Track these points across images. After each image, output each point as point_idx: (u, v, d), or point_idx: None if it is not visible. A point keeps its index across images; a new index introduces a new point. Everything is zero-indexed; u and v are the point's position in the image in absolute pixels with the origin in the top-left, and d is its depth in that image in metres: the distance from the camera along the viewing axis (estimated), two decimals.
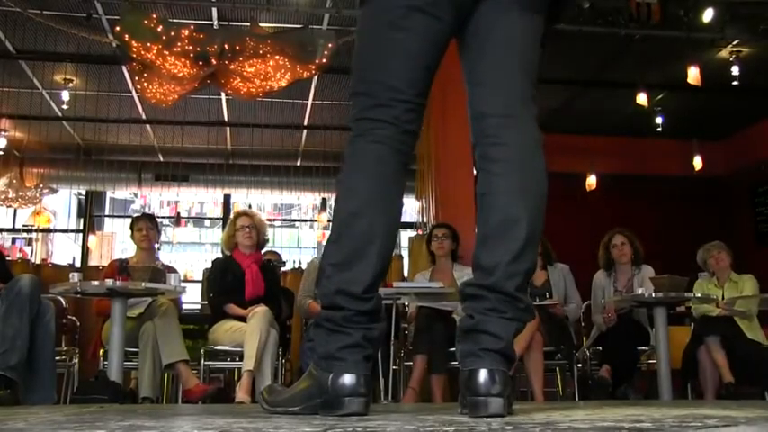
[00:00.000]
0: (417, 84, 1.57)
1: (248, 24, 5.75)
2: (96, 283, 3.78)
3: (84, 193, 10.43)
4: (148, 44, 5.08)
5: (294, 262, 8.80)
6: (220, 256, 4.90)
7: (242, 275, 4.40)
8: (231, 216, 4.88)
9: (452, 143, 5.70)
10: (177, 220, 11.77)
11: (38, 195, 8.10)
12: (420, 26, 1.55)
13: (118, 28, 5.24)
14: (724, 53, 6.39)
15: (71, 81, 7.21)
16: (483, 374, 1.39)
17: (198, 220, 13.69)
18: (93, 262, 9.32)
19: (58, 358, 4.11)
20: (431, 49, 1.58)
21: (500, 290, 1.46)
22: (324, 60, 5.40)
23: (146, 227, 4.55)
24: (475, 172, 1.64)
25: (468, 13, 1.60)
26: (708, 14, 5.56)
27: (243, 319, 4.17)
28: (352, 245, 1.51)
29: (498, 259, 1.47)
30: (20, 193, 7.84)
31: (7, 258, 5.08)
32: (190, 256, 12.80)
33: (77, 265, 8.27)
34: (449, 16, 1.56)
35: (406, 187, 1.74)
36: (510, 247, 1.47)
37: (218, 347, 4.29)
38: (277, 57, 5.31)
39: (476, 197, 1.57)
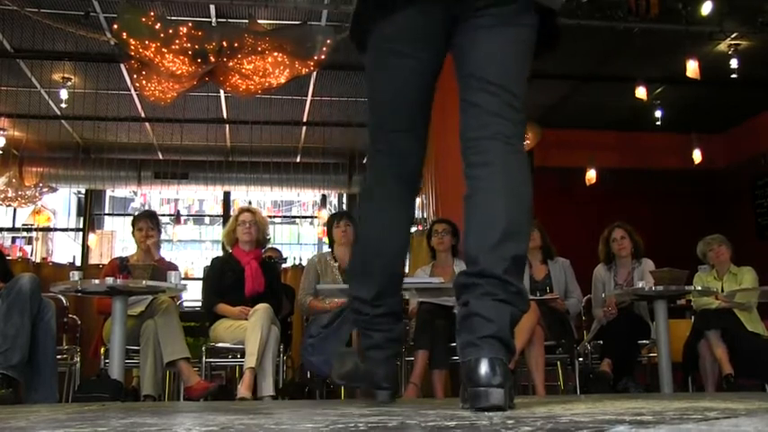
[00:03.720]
0: (407, 114, 1.79)
1: (246, 21, 5.75)
2: (97, 281, 3.78)
3: (83, 191, 10.42)
4: (147, 42, 5.07)
5: (294, 259, 8.80)
6: (220, 253, 4.91)
7: (241, 272, 4.40)
8: (234, 211, 4.89)
9: (452, 139, 5.66)
10: (177, 217, 11.76)
11: (37, 194, 8.10)
12: (398, 67, 1.75)
13: (116, 26, 5.23)
14: (723, 46, 6.38)
15: (69, 79, 7.20)
16: (483, 365, 1.41)
17: (198, 218, 13.67)
18: (93, 260, 9.31)
19: (59, 357, 4.12)
20: (414, 83, 1.77)
21: (489, 274, 1.50)
22: (322, 56, 5.40)
23: (146, 227, 4.54)
24: None
25: (447, 39, 1.73)
26: (706, 7, 5.55)
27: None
28: (363, 260, 1.85)
29: (482, 247, 1.54)
30: (19, 193, 7.83)
31: (7, 258, 5.08)
32: (190, 254, 12.79)
33: (78, 263, 8.25)
34: (425, 53, 1.74)
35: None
36: (492, 236, 1.54)
37: (220, 345, 4.30)
38: (276, 53, 5.30)
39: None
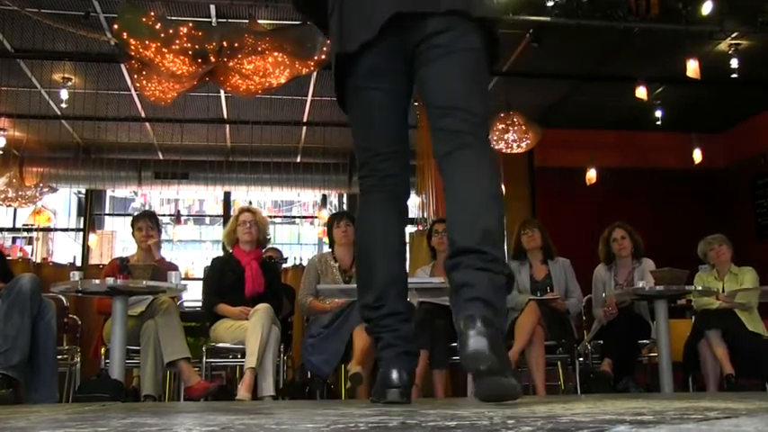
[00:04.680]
0: (382, 139, 2.02)
1: (246, 21, 5.74)
2: (97, 281, 3.78)
3: (83, 191, 10.42)
4: (147, 42, 5.07)
5: (295, 259, 8.80)
6: (221, 253, 4.90)
7: (242, 272, 4.40)
8: (235, 211, 4.89)
9: None
10: (177, 217, 11.75)
11: (37, 194, 8.08)
12: (368, 100, 2.00)
13: (116, 26, 5.23)
14: (723, 46, 6.37)
15: (70, 80, 7.19)
16: (470, 321, 1.57)
17: (198, 218, 13.66)
18: (93, 261, 9.30)
19: (59, 357, 4.12)
20: (384, 110, 2.00)
21: (464, 249, 1.72)
22: (323, 57, 5.39)
23: (146, 227, 4.55)
24: None
25: (409, 67, 1.95)
26: (706, 7, 5.54)
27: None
28: (363, 272, 2.04)
29: (456, 230, 1.78)
30: (19, 193, 7.81)
31: (8, 258, 5.09)
32: (190, 254, 12.78)
33: (78, 263, 8.25)
34: (388, 83, 1.98)
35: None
36: (463, 218, 1.78)
37: (220, 345, 4.30)
38: (276, 53, 5.30)
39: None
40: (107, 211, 11.50)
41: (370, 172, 2.04)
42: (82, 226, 10.58)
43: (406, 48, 1.93)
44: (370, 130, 2.04)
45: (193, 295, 6.86)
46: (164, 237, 5.24)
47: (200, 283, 5.76)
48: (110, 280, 3.72)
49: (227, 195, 10.63)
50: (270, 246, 5.35)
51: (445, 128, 1.88)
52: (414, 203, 7.15)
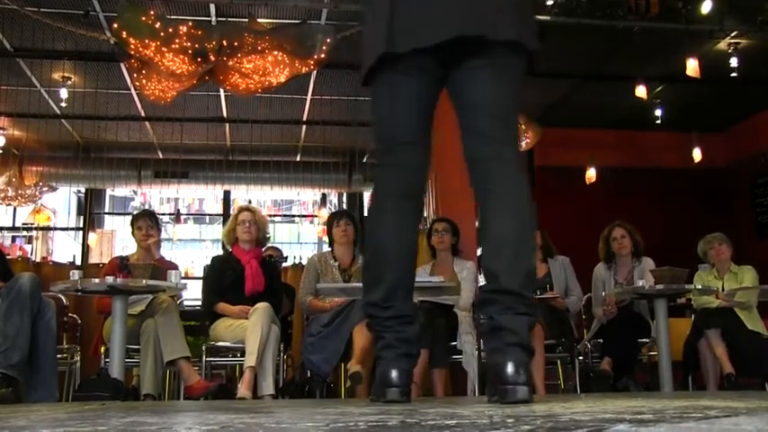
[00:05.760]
0: (413, 127, 1.98)
1: (246, 20, 5.74)
2: (97, 280, 3.78)
3: (83, 190, 10.42)
4: (146, 41, 5.06)
5: (295, 258, 8.80)
6: (221, 252, 4.90)
7: (242, 271, 4.40)
8: (234, 210, 4.88)
9: (451, 137, 5.66)
10: (177, 216, 11.76)
11: (37, 193, 8.09)
12: (404, 85, 1.94)
13: (116, 25, 5.22)
14: (723, 45, 6.37)
15: (69, 79, 7.20)
16: (510, 367, 1.67)
17: (198, 217, 13.67)
18: (93, 260, 9.31)
19: (59, 356, 4.12)
20: (418, 98, 1.96)
21: (508, 291, 1.77)
22: (322, 55, 5.39)
23: (146, 226, 4.54)
24: None
25: (445, 74, 1.96)
26: (706, 6, 5.54)
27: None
28: (373, 268, 1.99)
29: (500, 266, 1.81)
30: (19, 192, 7.82)
31: (7, 257, 5.08)
32: (190, 253, 12.78)
33: (78, 262, 8.24)
34: (425, 76, 1.95)
35: None
36: (507, 256, 1.81)
37: (220, 344, 4.30)
38: (275, 52, 5.29)
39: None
40: (107, 210, 11.50)
41: (393, 161, 1.98)
42: (81, 225, 10.58)
43: (446, 52, 1.89)
44: (402, 114, 1.97)
45: (193, 294, 6.85)
46: (163, 236, 5.23)
47: (200, 281, 5.76)
48: (109, 279, 3.71)
49: (226, 194, 10.64)
50: (269, 244, 5.34)
51: (482, 131, 1.89)
52: None
